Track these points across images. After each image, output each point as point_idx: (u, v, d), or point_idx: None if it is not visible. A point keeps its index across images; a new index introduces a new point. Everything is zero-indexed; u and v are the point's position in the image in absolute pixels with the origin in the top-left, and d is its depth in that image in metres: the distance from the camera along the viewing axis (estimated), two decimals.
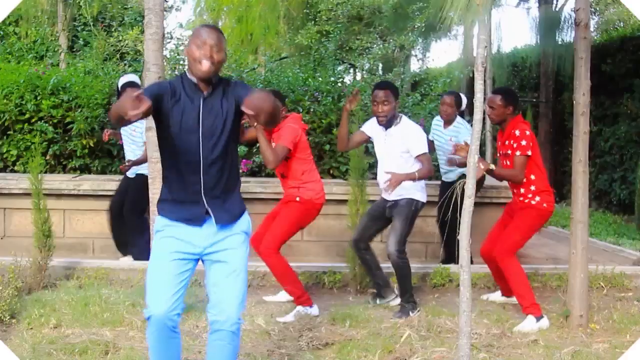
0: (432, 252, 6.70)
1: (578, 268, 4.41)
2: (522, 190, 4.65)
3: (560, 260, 6.47)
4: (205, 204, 2.87)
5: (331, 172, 7.54)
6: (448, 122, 6.09)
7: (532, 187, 4.61)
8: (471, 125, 5.02)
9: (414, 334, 4.15)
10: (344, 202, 5.63)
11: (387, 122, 4.71)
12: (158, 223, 2.93)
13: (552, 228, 8.70)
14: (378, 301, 4.92)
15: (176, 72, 8.28)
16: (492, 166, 4.53)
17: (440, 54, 42.73)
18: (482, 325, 4.42)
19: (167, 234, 2.89)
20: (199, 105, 2.84)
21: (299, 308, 4.59)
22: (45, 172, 6.63)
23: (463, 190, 3.20)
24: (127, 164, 5.95)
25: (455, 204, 3.47)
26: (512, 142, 4.60)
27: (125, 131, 6.13)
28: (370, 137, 4.88)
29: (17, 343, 3.86)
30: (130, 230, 6.05)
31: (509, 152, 4.63)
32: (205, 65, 2.79)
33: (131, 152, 6.11)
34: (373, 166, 7.55)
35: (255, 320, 4.39)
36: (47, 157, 7.31)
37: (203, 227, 2.88)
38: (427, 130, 6.11)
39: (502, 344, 4.09)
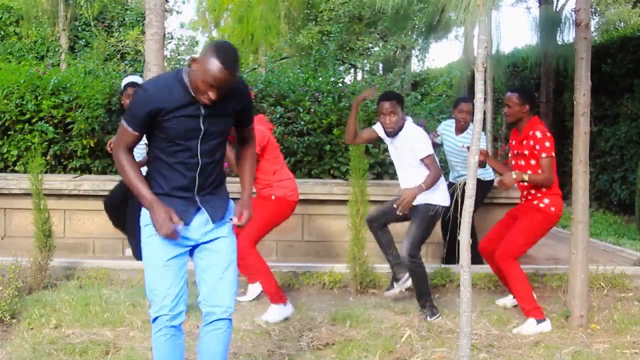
0: (432, 252, 6.70)
1: (578, 268, 4.41)
2: (532, 191, 4.58)
3: (561, 261, 6.46)
4: (198, 202, 2.88)
5: (331, 172, 7.54)
6: (461, 129, 5.94)
7: (544, 188, 4.55)
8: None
9: (414, 334, 4.15)
10: (344, 202, 5.63)
11: (395, 133, 4.70)
12: (148, 216, 2.85)
13: (552, 228, 8.68)
14: (395, 285, 4.86)
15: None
16: (526, 177, 4.44)
17: (441, 54, 42.75)
18: (483, 325, 4.42)
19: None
20: (199, 110, 2.78)
21: (273, 306, 4.58)
22: (46, 173, 6.63)
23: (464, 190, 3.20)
24: None
25: (456, 205, 3.47)
26: (531, 142, 4.51)
27: None
28: (379, 137, 4.88)
29: (18, 343, 3.87)
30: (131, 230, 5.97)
31: (526, 152, 4.55)
32: (207, 101, 2.73)
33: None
34: (373, 166, 7.57)
35: (255, 321, 4.39)
36: (48, 158, 7.32)
37: (191, 225, 2.87)
38: (427, 131, 6.10)
39: (502, 344, 4.09)
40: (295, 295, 5.14)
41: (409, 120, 4.75)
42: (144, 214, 2.88)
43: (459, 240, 3.17)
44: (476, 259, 5.70)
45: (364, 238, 5.15)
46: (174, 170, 2.83)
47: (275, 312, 4.53)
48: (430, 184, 4.54)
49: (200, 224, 2.89)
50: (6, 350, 3.78)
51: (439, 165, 4.68)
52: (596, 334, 4.34)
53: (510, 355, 3.92)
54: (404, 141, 4.67)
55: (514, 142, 4.72)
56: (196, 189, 2.86)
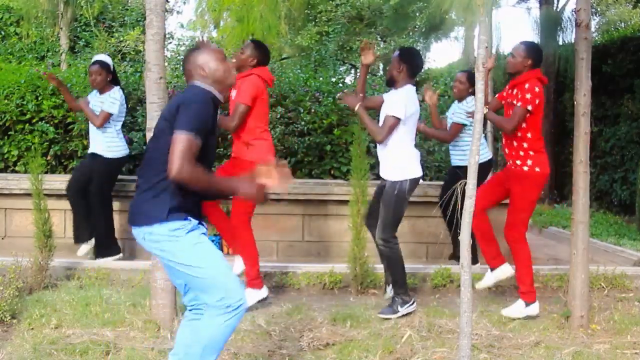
0: (432, 252, 6.70)
1: (579, 269, 4.41)
2: (514, 144, 4.57)
3: (561, 261, 6.47)
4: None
5: (332, 172, 7.53)
6: (460, 100, 6.00)
7: (525, 145, 4.51)
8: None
9: (414, 334, 4.15)
10: (344, 202, 5.63)
11: (390, 82, 4.75)
12: (191, 222, 2.95)
13: (552, 229, 8.70)
14: (388, 290, 4.87)
15: (176, 73, 8.28)
16: (485, 110, 4.34)
17: (441, 55, 42.76)
18: (483, 325, 4.42)
19: (202, 230, 3.02)
20: (217, 112, 3.12)
21: (249, 290, 4.63)
22: (46, 173, 6.63)
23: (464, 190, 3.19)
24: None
25: (456, 204, 3.46)
26: (517, 92, 4.51)
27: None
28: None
29: (18, 343, 3.87)
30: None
31: (509, 100, 4.56)
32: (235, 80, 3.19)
33: (97, 140, 6.07)
34: (374, 166, 7.56)
35: (256, 321, 4.39)
36: (48, 158, 7.32)
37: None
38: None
39: (502, 344, 4.09)
40: (295, 295, 5.15)
41: (410, 85, 4.70)
42: (187, 222, 2.94)
43: (459, 240, 3.18)
44: (477, 259, 5.72)
45: (364, 238, 5.15)
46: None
47: (251, 296, 4.58)
48: (369, 123, 4.63)
49: None
50: (6, 350, 3.78)
51: (390, 133, 4.57)
52: (596, 334, 4.34)
53: (510, 355, 3.92)
54: (390, 97, 4.72)
55: (504, 94, 4.73)
56: None
